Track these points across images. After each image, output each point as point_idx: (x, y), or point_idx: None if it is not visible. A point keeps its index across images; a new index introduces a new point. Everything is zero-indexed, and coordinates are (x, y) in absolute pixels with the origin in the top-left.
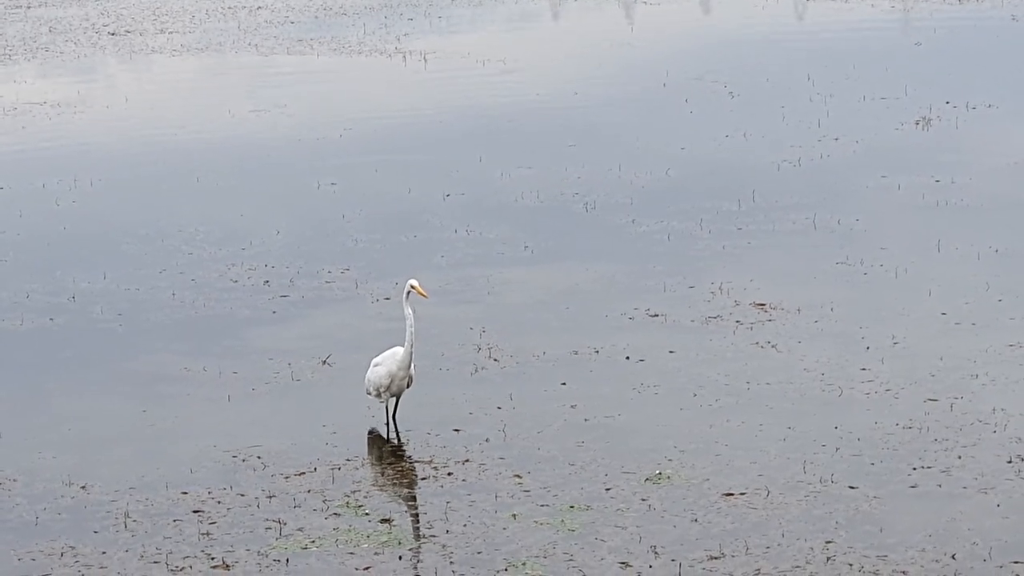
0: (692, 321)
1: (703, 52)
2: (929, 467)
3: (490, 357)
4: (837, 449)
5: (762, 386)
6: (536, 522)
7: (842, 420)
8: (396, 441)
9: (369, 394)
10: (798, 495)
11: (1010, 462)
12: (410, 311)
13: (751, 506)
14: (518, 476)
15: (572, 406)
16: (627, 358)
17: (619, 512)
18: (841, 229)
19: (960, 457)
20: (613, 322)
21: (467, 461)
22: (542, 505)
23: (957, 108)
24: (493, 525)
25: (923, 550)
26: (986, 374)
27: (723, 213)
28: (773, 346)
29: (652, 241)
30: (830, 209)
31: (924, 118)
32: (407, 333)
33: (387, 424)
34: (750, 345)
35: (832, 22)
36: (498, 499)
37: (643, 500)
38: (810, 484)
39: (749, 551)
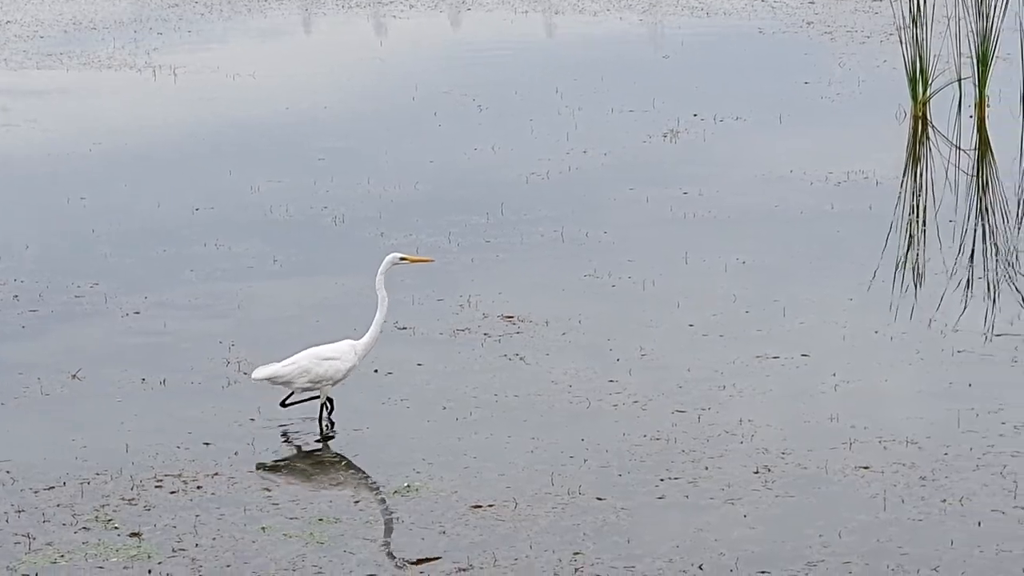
0: (440, 334)
1: (452, 66)
2: (676, 478)
3: (240, 371)
4: (585, 461)
5: (510, 398)
6: (285, 535)
7: (590, 432)
8: (322, 434)
9: (287, 385)
10: (546, 507)
11: (756, 473)
12: (385, 294)
13: (499, 518)
14: (267, 489)
15: (318, 419)
16: (375, 371)
17: (368, 524)
18: (589, 242)
19: (707, 468)
20: (361, 335)
21: (216, 474)
22: (291, 518)
23: (705, 121)
24: (242, 538)
25: (671, 560)
26: (733, 385)
27: (472, 226)
28: (521, 358)
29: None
30: (578, 222)
31: (672, 131)
32: (379, 317)
33: (320, 420)
34: (498, 358)
35: (581, 35)
36: (247, 512)
37: (391, 512)
38: (558, 496)
39: (497, 563)
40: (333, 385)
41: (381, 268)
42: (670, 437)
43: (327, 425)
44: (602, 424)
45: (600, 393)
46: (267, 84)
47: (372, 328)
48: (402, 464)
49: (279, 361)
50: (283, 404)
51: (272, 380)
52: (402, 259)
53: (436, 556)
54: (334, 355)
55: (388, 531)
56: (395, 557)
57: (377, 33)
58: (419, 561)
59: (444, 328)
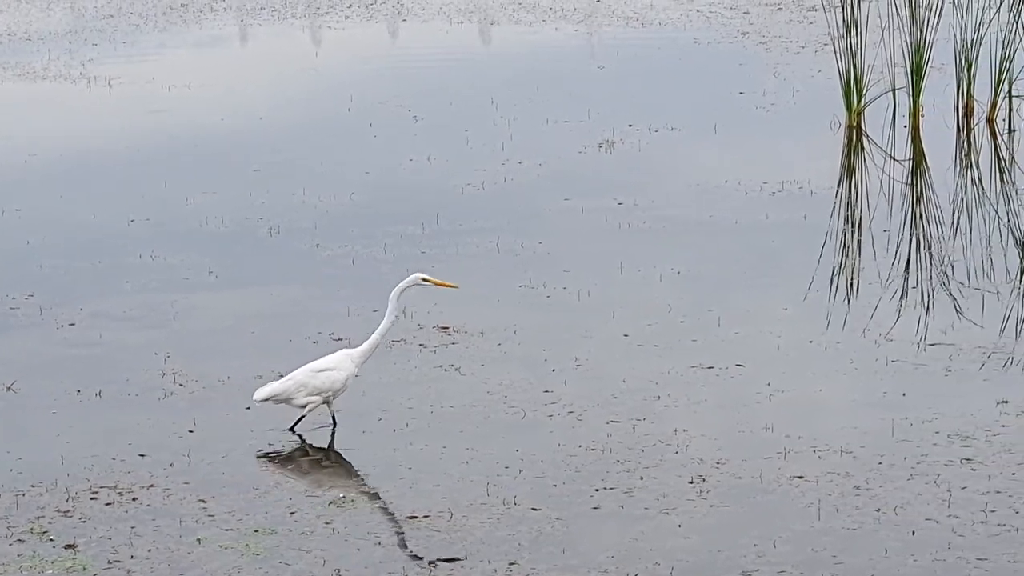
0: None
1: (388, 77)
2: (611, 488)
3: (175, 382)
4: (520, 471)
5: (446, 409)
6: (221, 546)
7: (525, 442)
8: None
9: (289, 402)
10: (481, 517)
11: (691, 482)
12: (396, 306)
13: (435, 529)
14: (203, 501)
15: (257, 431)
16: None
17: (303, 536)
18: (524, 252)
19: (642, 478)
20: (298, 346)
21: (152, 486)
22: (227, 529)
23: (640, 131)
24: (178, 550)
25: (606, 571)
26: (668, 395)
27: (407, 237)
28: (456, 369)
29: (336, 266)
30: (513, 232)
31: (607, 141)
32: (384, 327)
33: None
34: (434, 368)
35: (516, 46)
36: (183, 524)
37: (327, 524)
38: (493, 506)
39: (432, 574)
40: (335, 397)
41: (402, 284)
42: (605, 447)
43: (329, 438)
44: (537, 434)
45: (535, 403)
46: (203, 95)
47: (373, 336)
48: (338, 475)
49: (276, 381)
50: (291, 429)
51: (273, 399)
52: (424, 280)
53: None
54: (330, 366)
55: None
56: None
57: (313, 44)
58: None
59: None
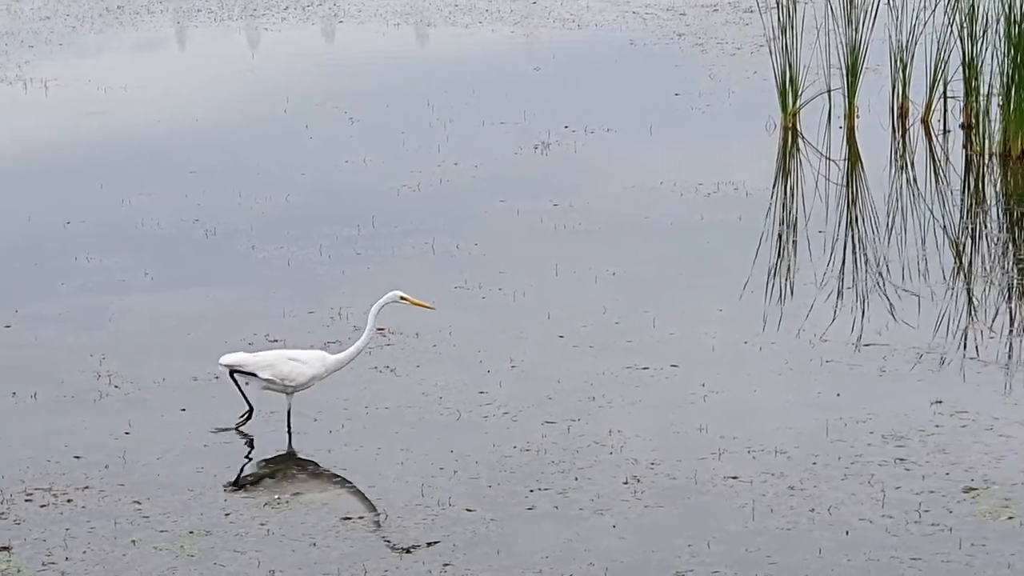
0: (311, 346)
1: (325, 78)
2: (546, 489)
3: (111, 384)
4: (455, 472)
5: (381, 410)
6: (155, 548)
7: (460, 443)
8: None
9: (250, 377)
10: (416, 518)
11: (626, 483)
12: (374, 323)
13: (369, 530)
14: (138, 502)
15: (193, 432)
16: (246, 383)
17: (238, 537)
18: (460, 253)
19: (577, 479)
20: (233, 348)
21: (87, 488)
22: (161, 531)
23: (576, 132)
24: (112, 552)
25: (540, 571)
26: (603, 396)
27: (343, 238)
28: (392, 370)
29: (272, 267)
30: (449, 234)
31: (543, 143)
32: (362, 342)
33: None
34: (369, 370)
35: (452, 48)
36: (117, 525)
37: (262, 525)
38: (428, 507)
39: (367, 574)
40: (296, 389)
41: (381, 301)
42: (540, 448)
43: (287, 432)
44: (472, 435)
45: (470, 404)
46: (139, 97)
47: (351, 349)
48: (272, 476)
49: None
50: (238, 427)
51: (238, 367)
52: (403, 299)
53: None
54: (301, 358)
55: None
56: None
57: (249, 46)
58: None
59: (315, 340)
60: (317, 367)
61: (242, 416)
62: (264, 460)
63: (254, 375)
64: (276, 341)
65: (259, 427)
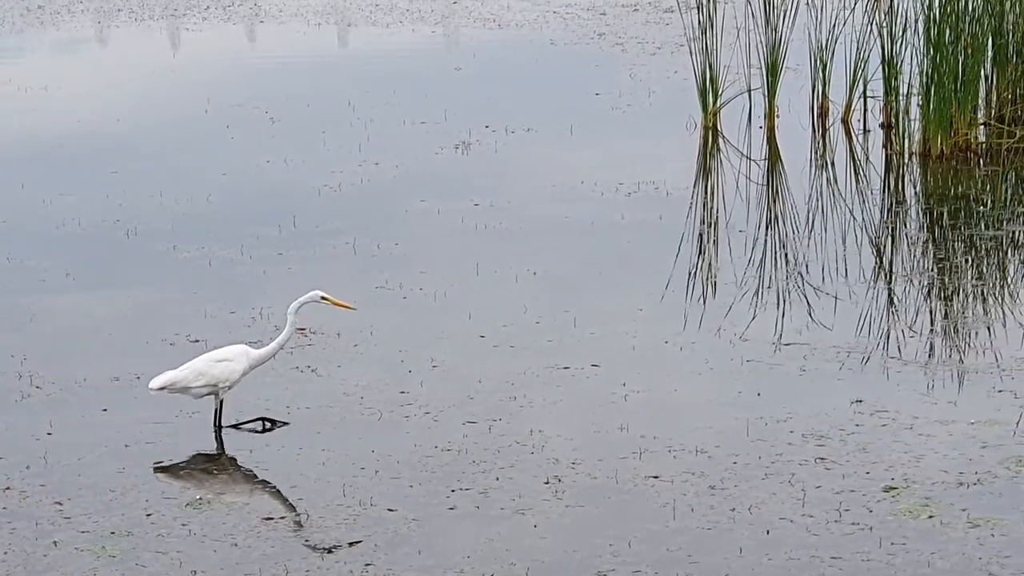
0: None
1: (246, 79)
2: (467, 489)
3: (32, 384)
4: (376, 472)
5: (303, 411)
6: (77, 548)
7: (381, 443)
8: (221, 448)
9: (185, 391)
10: (337, 518)
11: (547, 483)
12: (295, 319)
13: (291, 530)
14: (59, 503)
15: (114, 433)
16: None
17: (160, 538)
18: (381, 253)
19: (498, 478)
20: (154, 348)
21: (8, 489)
22: (83, 532)
23: (496, 132)
24: (34, 552)
25: (462, 571)
26: (524, 396)
27: (264, 238)
28: (313, 370)
29: (194, 267)
30: (370, 234)
31: (463, 143)
32: (282, 338)
33: (216, 428)
34: (291, 370)
35: (373, 48)
36: (39, 526)
37: (184, 525)
38: (349, 507)
39: (289, 574)
40: (229, 388)
41: (301, 299)
42: (461, 448)
43: (219, 429)
44: (393, 435)
45: (391, 404)
46: (60, 97)
47: (272, 344)
48: (193, 476)
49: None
50: (232, 426)
51: (169, 388)
52: (324, 299)
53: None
54: (228, 356)
55: None
56: None
57: (171, 46)
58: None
59: (236, 340)
60: (243, 362)
61: (267, 427)
62: (185, 460)
63: (188, 388)
64: (197, 341)
65: (180, 427)
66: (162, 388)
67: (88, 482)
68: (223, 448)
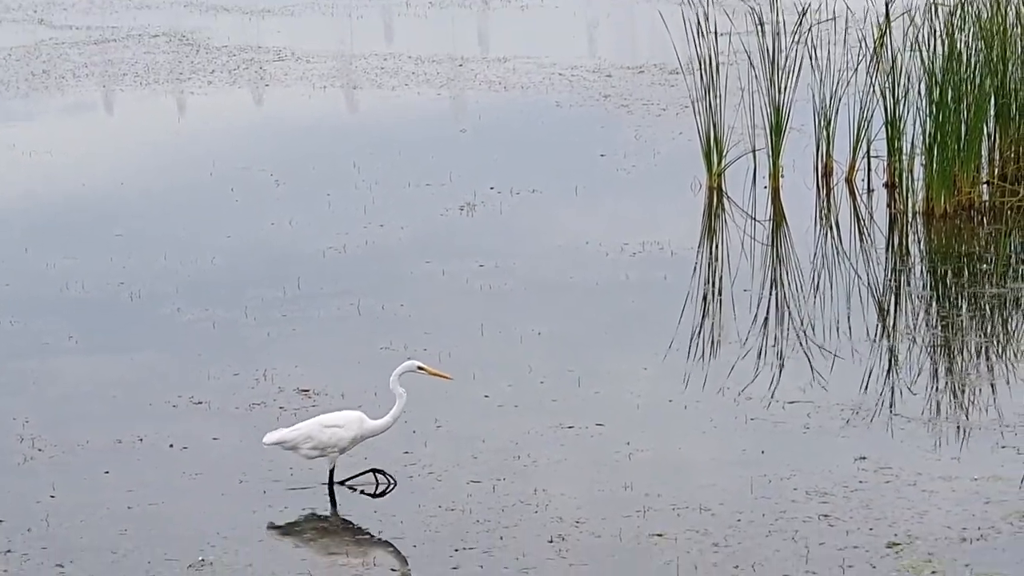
0: (236, 408)
1: (251, 142)
2: (471, 548)
3: (35, 447)
4: (379, 532)
5: (305, 472)
6: None
7: (384, 504)
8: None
9: (295, 451)
10: None
11: (551, 542)
12: (402, 390)
13: None
14: (60, 566)
15: (116, 495)
16: (171, 446)
17: None
18: (386, 315)
19: (502, 538)
20: (158, 410)
21: (9, 552)
22: None
23: (501, 193)
24: None
25: None
26: (528, 455)
27: (268, 300)
28: None
29: (197, 330)
30: (375, 295)
31: (468, 204)
32: (396, 411)
33: (329, 487)
34: None
35: (379, 110)
36: None
37: None
38: (353, 568)
39: None
40: (340, 453)
41: (398, 370)
42: (465, 508)
43: (336, 490)
44: (397, 496)
45: (395, 465)
46: (65, 161)
47: (387, 417)
48: (197, 538)
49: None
50: (341, 482)
51: (281, 444)
52: (420, 368)
53: None
54: (338, 423)
55: None
56: None
57: (176, 109)
58: None
59: (240, 402)
60: (354, 430)
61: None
62: (189, 521)
63: (297, 449)
64: (200, 403)
65: (184, 489)
66: (275, 444)
67: (90, 544)
68: (226, 508)
